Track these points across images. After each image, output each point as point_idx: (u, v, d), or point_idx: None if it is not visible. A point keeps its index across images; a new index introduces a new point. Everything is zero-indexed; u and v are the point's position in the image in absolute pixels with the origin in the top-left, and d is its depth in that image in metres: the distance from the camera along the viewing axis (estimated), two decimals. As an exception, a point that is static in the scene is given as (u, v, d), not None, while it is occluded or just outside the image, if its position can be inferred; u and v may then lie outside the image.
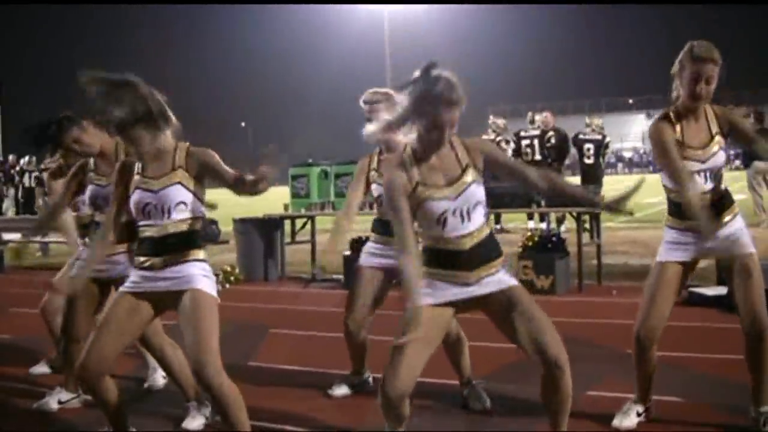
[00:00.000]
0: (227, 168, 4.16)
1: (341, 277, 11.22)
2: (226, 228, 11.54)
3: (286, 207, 12.08)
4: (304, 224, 12.16)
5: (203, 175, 4.20)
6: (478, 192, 3.93)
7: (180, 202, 4.12)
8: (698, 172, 4.55)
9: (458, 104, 3.80)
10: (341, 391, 5.82)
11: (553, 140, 16.55)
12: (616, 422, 4.83)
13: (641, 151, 71.33)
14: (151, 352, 5.40)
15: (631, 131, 78.45)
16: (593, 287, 10.10)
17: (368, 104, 5.37)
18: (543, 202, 10.37)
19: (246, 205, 22.30)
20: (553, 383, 3.87)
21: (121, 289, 4.25)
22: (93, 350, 4.11)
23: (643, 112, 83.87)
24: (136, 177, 4.20)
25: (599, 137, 16.41)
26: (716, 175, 4.59)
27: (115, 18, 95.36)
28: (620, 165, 69.31)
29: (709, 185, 4.56)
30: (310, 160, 12.31)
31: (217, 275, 5.28)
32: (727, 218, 4.60)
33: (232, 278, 11.50)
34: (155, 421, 5.30)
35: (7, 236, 15.50)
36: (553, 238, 9.94)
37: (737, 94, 74.22)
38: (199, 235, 4.22)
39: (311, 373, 6.52)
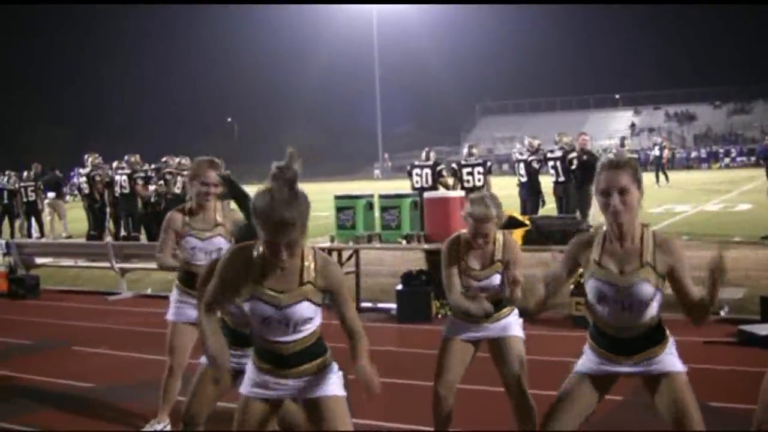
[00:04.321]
0: None
1: (392, 306, 11.55)
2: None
3: (332, 238, 12.29)
4: (350, 256, 12.38)
5: None
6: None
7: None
8: None
9: None
10: None
11: (575, 162, 17.00)
12: None
13: (629, 149, 71.63)
14: None
15: (618, 128, 78.73)
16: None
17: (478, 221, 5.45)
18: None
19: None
20: None
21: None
22: None
23: (630, 108, 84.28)
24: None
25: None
26: None
27: (101, 9, 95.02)
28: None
29: None
30: (356, 193, 12.52)
31: None
32: None
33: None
34: None
35: (40, 260, 15.68)
36: (604, 276, 10.20)
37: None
38: None
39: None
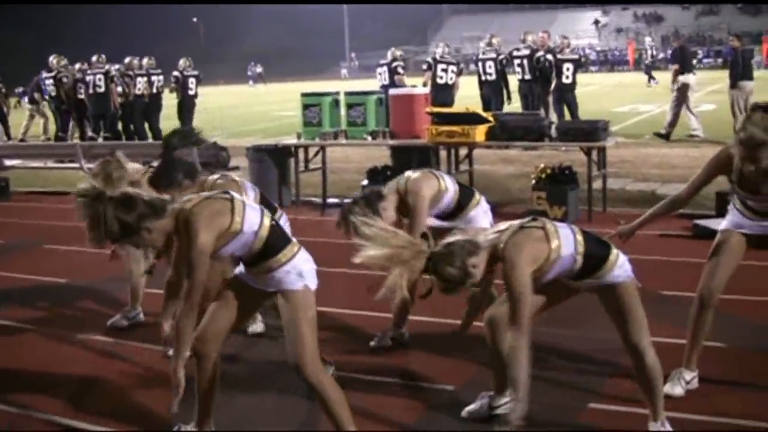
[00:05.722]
0: None
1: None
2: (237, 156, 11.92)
3: (298, 135, 12.44)
4: (317, 152, 12.54)
5: None
6: None
7: None
8: None
9: None
10: (383, 343, 6.25)
11: (541, 60, 17.23)
12: (667, 389, 5.08)
13: (597, 48, 71.49)
14: None
15: (587, 27, 78.54)
16: (600, 215, 10.70)
17: None
18: (554, 136, 10.89)
19: (263, 131, 22.50)
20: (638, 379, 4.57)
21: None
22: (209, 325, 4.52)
23: (598, 8, 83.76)
24: None
25: (576, 56, 17.44)
26: None
27: None
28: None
29: None
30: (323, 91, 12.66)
31: None
32: None
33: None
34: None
35: (9, 162, 15.72)
36: (566, 171, 10.48)
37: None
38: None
39: (348, 316, 7.05)
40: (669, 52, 65.55)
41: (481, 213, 6.05)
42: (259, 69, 67.43)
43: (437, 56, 17.42)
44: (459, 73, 17.21)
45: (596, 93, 32.66)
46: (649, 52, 44.22)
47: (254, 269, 4.42)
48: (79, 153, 14.38)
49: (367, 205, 5.42)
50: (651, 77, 39.10)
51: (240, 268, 4.54)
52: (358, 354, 6.14)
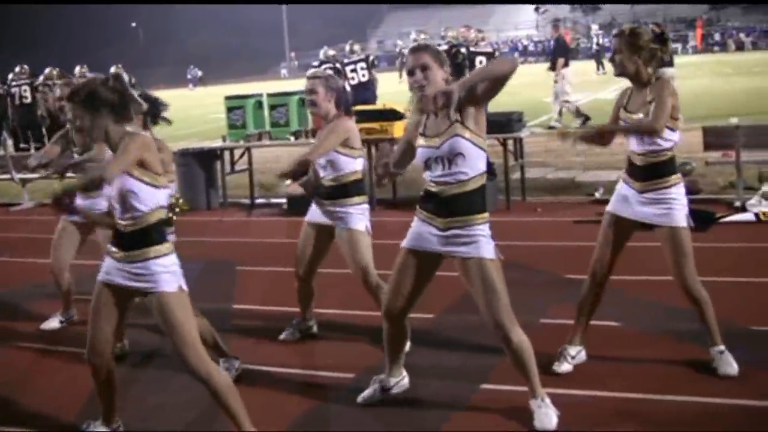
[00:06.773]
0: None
1: (282, 201, 11.99)
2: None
3: (224, 138, 12.60)
4: (242, 154, 12.70)
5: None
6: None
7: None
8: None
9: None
10: (291, 336, 6.51)
11: (459, 56, 17.37)
12: (554, 367, 5.43)
13: (535, 39, 72.11)
14: None
15: (525, 19, 79.14)
16: (519, 204, 11.01)
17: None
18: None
19: (199, 134, 22.46)
20: (510, 357, 4.69)
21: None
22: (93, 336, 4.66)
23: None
24: None
25: (490, 50, 17.60)
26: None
27: None
28: (516, 54, 69.93)
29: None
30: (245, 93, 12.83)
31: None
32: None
33: (177, 210, 11.98)
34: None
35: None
36: (482, 163, 10.75)
37: None
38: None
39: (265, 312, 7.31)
40: (607, 40, 66.88)
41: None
42: (199, 72, 67.28)
43: (344, 59, 17.22)
44: (371, 66, 17.20)
45: (533, 84, 32.94)
46: (595, 40, 44.94)
47: (133, 253, 4.44)
48: (10, 164, 14.36)
49: None
50: (600, 65, 39.95)
51: (108, 262, 4.57)
52: (267, 347, 6.37)
